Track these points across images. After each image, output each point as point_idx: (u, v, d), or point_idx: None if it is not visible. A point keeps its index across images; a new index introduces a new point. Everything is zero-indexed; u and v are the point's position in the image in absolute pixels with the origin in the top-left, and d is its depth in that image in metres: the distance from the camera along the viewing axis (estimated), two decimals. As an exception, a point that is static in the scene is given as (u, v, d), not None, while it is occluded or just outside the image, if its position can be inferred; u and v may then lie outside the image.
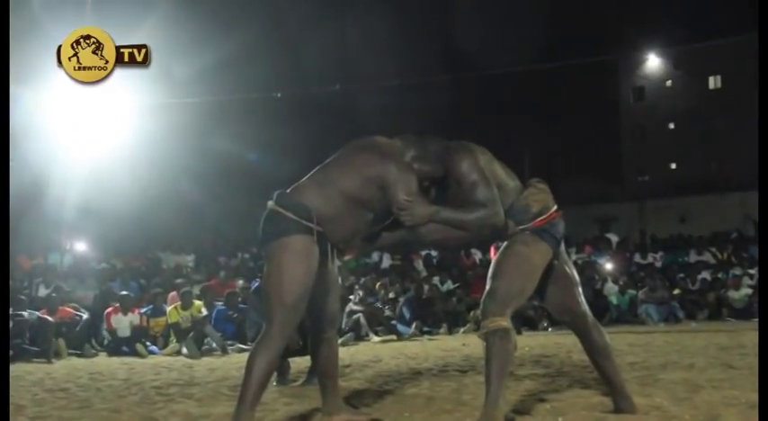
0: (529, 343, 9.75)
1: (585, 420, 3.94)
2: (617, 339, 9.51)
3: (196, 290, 11.70)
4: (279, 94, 18.35)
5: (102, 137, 14.99)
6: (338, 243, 4.09)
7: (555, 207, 4.14)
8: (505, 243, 4.11)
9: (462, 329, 12.99)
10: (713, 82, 38.11)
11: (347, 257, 4.50)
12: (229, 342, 10.47)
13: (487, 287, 4.00)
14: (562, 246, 4.25)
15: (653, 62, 38.81)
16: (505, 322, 3.85)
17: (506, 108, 34.65)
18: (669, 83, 39.69)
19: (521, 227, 4.05)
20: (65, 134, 14.52)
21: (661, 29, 29.63)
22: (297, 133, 25.83)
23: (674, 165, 39.19)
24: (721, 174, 33.11)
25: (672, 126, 39.53)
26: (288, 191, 3.99)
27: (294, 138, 25.45)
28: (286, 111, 23.56)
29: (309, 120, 26.40)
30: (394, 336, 12.00)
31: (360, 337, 11.61)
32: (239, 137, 21.55)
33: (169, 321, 10.55)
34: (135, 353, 10.04)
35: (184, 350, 9.94)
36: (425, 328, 12.77)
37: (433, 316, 13.23)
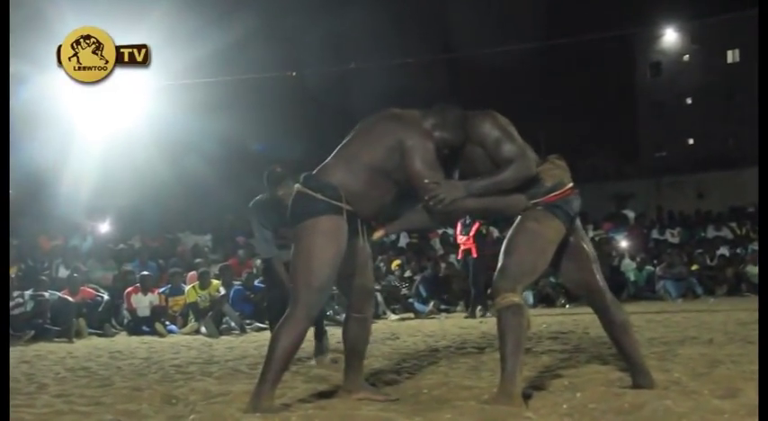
0: (546, 319, 9.76)
1: (604, 396, 3.94)
2: (635, 315, 9.50)
3: (214, 269, 11.76)
4: (293, 73, 18.34)
5: (118, 118, 15.04)
6: (368, 219, 4.08)
7: (570, 184, 4.10)
8: (518, 219, 4.09)
9: (479, 307, 13.00)
10: (731, 56, 37.72)
11: (377, 236, 4.46)
12: (247, 321, 10.53)
13: (499, 264, 3.99)
14: (578, 223, 4.22)
15: (670, 37, 38.45)
16: (517, 298, 3.85)
17: (521, 85, 34.43)
18: (686, 57, 39.32)
19: (533, 201, 4.03)
20: (80, 116, 14.58)
21: (678, 2, 29.28)
22: (309, 114, 25.84)
23: (691, 141, 38.93)
24: (739, 149, 32.84)
25: (689, 101, 39.22)
26: (314, 172, 3.98)
27: (307, 118, 25.46)
28: (299, 91, 23.56)
29: (321, 101, 26.37)
30: (411, 315, 12.05)
31: (377, 316, 11.65)
32: (254, 117, 21.57)
33: (187, 301, 10.63)
34: (154, 333, 10.13)
35: (203, 329, 10.01)
36: (442, 306, 12.79)
37: (449, 294, 13.25)
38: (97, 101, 14.11)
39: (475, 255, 11.57)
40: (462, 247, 11.79)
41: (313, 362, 6.31)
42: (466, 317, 11.27)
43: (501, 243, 4.15)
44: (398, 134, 3.92)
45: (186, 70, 16.19)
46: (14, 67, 11.03)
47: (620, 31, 29.48)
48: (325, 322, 6.58)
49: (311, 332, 5.94)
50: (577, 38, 22.49)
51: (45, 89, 12.56)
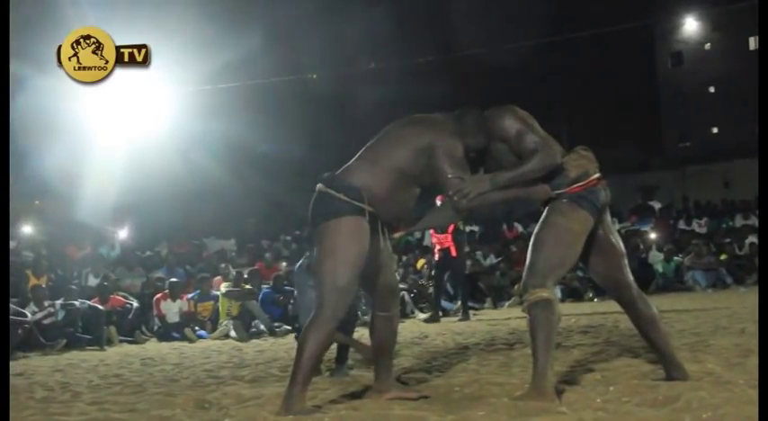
0: (575, 313, 9.71)
1: (637, 389, 3.91)
2: (665, 306, 9.44)
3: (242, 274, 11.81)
4: (314, 76, 18.38)
5: (141, 126, 15.15)
6: (390, 221, 4.10)
7: (597, 175, 4.06)
8: (544, 214, 4.07)
9: (507, 303, 12.97)
10: (753, 42, 37.27)
11: (398, 234, 4.48)
12: (276, 324, 10.57)
13: (527, 261, 3.98)
14: (608, 217, 4.19)
15: (690, 25, 38.09)
16: (546, 293, 3.84)
17: (542, 79, 34.26)
18: (708, 46, 38.95)
19: (557, 191, 4.01)
20: (103, 125, 14.71)
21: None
22: (331, 118, 25.88)
23: (715, 130, 38.55)
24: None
25: (712, 90, 38.83)
26: (337, 173, 4.00)
27: (328, 123, 25.51)
28: (319, 95, 23.61)
29: (343, 105, 26.40)
30: (439, 313, 12.00)
31: (405, 315, 11.62)
32: (273, 122, 21.63)
33: (220, 294, 10.81)
34: (184, 338, 10.19)
35: (232, 333, 10.07)
36: (470, 304, 12.74)
37: (477, 291, 13.21)
38: (119, 109, 14.25)
39: (454, 254, 10.99)
40: (439, 247, 11.16)
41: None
42: (460, 320, 10.71)
43: (523, 238, 4.15)
44: (428, 136, 3.96)
45: (207, 76, 16.30)
46: (32, 73, 11.18)
47: (640, 22, 29.29)
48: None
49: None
50: (597, 30, 22.31)
51: (66, 98, 12.67)
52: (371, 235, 3.91)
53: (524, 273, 3.97)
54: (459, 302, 12.48)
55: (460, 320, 10.67)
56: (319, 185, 3.96)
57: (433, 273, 13.31)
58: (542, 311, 3.80)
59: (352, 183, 3.88)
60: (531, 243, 4.03)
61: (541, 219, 4.06)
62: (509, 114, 4.07)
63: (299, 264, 6.22)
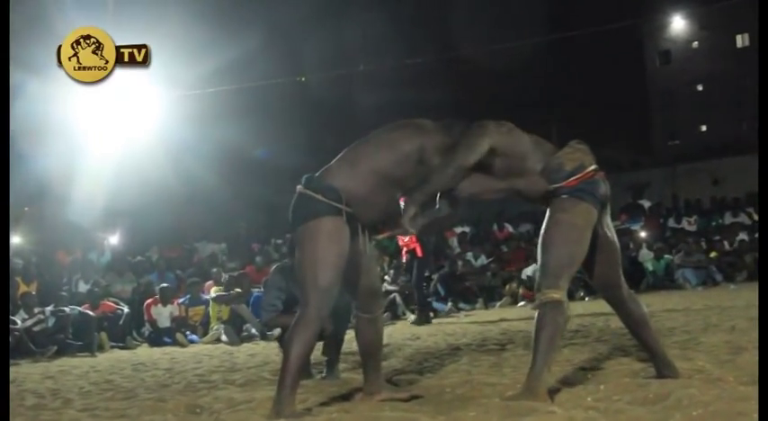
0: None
1: (628, 387, 3.91)
2: (655, 305, 9.49)
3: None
4: (303, 78, 18.40)
5: (131, 130, 15.09)
6: (369, 225, 4.09)
7: (593, 167, 4.04)
8: (547, 213, 4.06)
9: (498, 303, 12.98)
10: (741, 40, 37.50)
11: (381, 236, 4.47)
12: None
13: (538, 262, 3.98)
14: (608, 214, 4.17)
15: (678, 24, 38.28)
16: (558, 294, 3.82)
17: (531, 79, 34.35)
18: (696, 44, 39.17)
19: (554, 185, 4.00)
20: (92, 129, 14.64)
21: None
22: (323, 121, 25.89)
23: (704, 128, 38.74)
24: (753, 134, 32.54)
25: (700, 88, 39.05)
26: (316, 174, 3.99)
27: (319, 126, 25.52)
28: (308, 99, 23.61)
29: (334, 108, 26.40)
30: (431, 314, 12.01)
31: (396, 317, 11.63)
32: (264, 126, 21.60)
33: (211, 298, 10.82)
34: (176, 343, 10.17)
35: (224, 337, 10.04)
36: (461, 304, 12.77)
37: (468, 291, 13.23)
38: (110, 113, 14.18)
39: (420, 255, 10.85)
40: (405, 249, 11.08)
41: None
42: (412, 323, 10.63)
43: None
44: (419, 139, 3.96)
45: (198, 80, 16.26)
46: (23, 77, 11.13)
47: (628, 21, 29.38)
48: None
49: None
50: (585, 30, 22.39)
51: (56, 102, 12.62)
52: (352, 236, 3.91)
53: (537, 274, 3.98)
54: (450, 304, 12.51)
55: (413, 323, 10.59)
56: (298, 187, 3.96)
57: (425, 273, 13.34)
58: (550, 312, 3.79)
59: (330, 184, 3.88)
60: (539, 244, 4.01)
61: (546, 219, 4.05)
62: (481, 128, 4.04)
63: (276, 265, 6.24)
